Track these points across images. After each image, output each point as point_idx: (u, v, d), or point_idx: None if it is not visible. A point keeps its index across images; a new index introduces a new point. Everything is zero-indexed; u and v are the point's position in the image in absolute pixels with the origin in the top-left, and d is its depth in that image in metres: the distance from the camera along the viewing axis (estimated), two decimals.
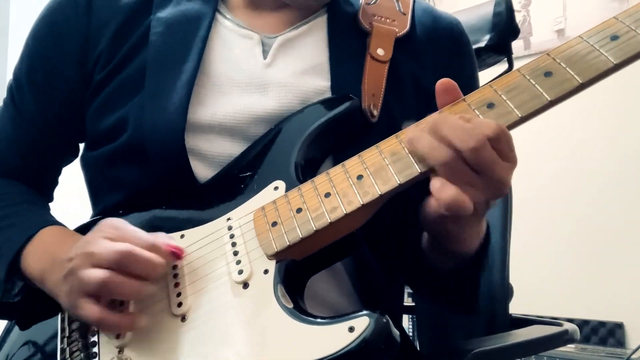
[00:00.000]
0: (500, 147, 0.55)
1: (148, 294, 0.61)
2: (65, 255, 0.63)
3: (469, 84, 0.73)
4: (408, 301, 1.23)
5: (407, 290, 0.90)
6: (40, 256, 0.69)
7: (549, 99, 0.56)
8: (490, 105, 0.58)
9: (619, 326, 2.38)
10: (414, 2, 0.82)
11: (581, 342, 2.35)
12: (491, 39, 1.13)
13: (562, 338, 0.86)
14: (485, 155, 0.54)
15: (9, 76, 0.83)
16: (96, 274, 0.58)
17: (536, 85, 0.57)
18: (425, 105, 0.60)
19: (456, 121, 0.55)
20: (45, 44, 0.80)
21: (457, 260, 0.67)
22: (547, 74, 0.57)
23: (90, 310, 0.59)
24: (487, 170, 0.55)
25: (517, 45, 1.19)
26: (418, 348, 1.05)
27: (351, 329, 0.54)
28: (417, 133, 0.58)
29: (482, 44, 1.12)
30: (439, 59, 0.79)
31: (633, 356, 2.07)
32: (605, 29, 0.57)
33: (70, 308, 0.63)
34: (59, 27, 0.79)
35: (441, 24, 0.82)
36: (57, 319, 0.70)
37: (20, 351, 0.72)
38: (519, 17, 1.17)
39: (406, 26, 0.79)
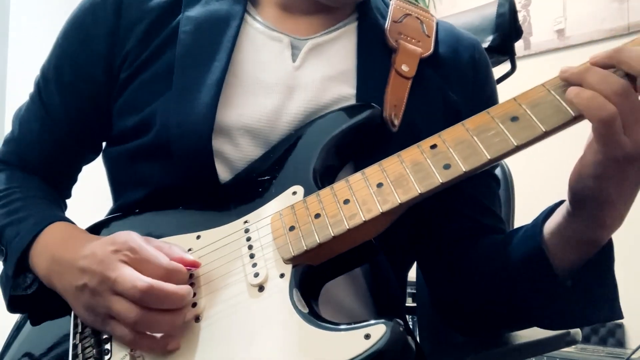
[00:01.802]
0: None
1: (181, 323, 0.60)
2: (71, 257, 0.63)
3: (489, 103, 0.73)
4: (408, 301, 1.23)
5: (408, 290, 0.90)
6: (44, 257, 0.70)
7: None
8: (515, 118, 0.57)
9: (619, 326, 2.38)
10: (437, 24, 0.83)
11: (581, 342, 2.35)
12: (494, 39, 1.13)
13: (564, 339, 0.86)
14: None
15: (9, 76, 0.83)
16: (130, 313, 0.58)
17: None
18: (453, 118, 0.60)
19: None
20: (73, 44, 0.80)
21: (589, 252, 0.64)
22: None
23: (122, 332, 0.60)
24: None
25: (517, 46, 1.19)
26: None
27: (367, 336, 0.53)
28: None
29: (485, 45, 1.12)
30: (462, 75, 0.80)
31: (633, 356, 2.07)
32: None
33: (90, 322, 0.64)
34: (87, 27, 0.79)
35: (463, 43, 0.83)
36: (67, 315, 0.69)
37: (33, 346, 0.72)
38: (519, 17, 1.17)
39: (430, 48, 0.79)
